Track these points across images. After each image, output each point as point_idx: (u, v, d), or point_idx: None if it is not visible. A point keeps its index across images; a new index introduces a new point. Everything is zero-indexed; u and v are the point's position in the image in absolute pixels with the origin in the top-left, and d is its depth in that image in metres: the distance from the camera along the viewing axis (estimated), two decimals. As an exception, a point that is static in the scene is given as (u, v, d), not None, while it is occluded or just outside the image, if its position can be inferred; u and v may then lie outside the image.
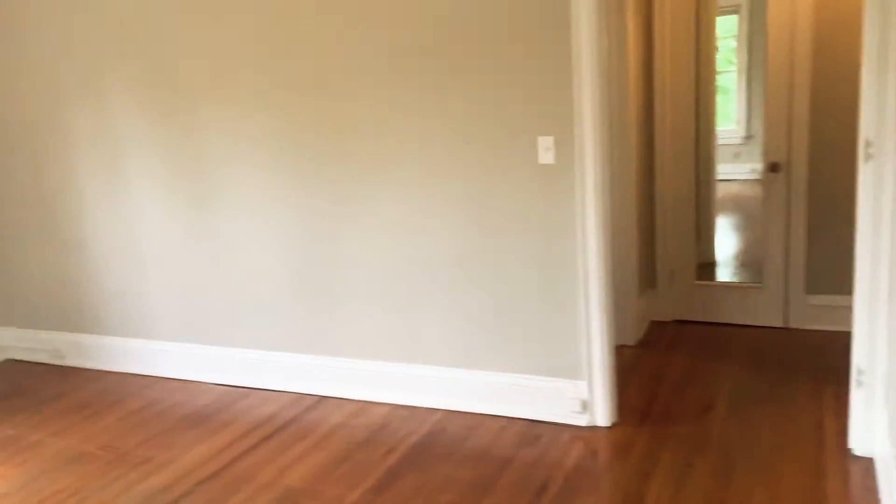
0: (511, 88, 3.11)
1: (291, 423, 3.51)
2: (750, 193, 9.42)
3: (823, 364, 3.75)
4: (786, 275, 4.23)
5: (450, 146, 3.26)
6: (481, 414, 3.43)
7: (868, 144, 2.62)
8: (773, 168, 4.14)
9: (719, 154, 6.35)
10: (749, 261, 5.81)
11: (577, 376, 3.24)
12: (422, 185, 3.35)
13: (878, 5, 2.53)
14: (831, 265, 4.11)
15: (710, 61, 5.72)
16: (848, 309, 4.08)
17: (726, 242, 6.60)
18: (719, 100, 6.09)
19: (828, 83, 3.93)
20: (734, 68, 10.46)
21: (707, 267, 5.74)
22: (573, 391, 3.24)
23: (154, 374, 4.22)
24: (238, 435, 3.43)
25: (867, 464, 2.78)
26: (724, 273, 5.63)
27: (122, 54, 3.83)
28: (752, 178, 10.38)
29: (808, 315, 4.21)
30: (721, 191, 6.55)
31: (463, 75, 3.18)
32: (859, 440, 2.83)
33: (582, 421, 3.25)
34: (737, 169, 10.52)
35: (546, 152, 3.10)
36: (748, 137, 10.44)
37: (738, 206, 8.86)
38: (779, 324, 4.30)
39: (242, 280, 3.85)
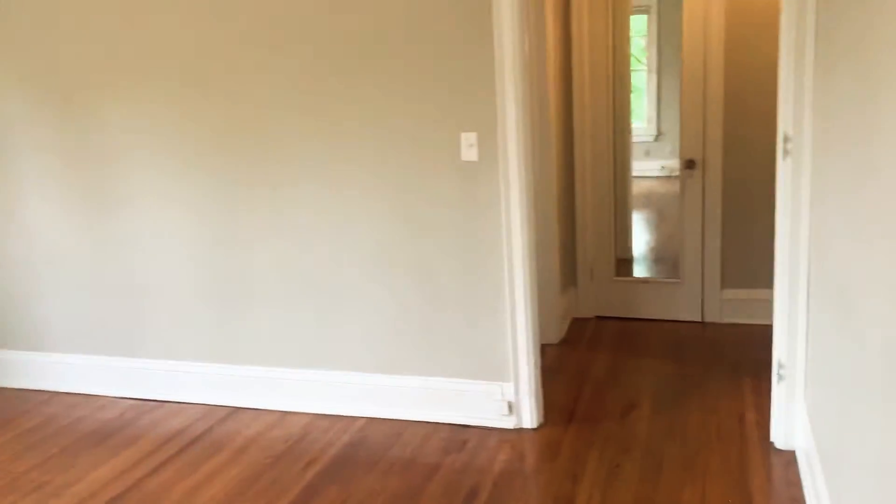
0: (434, 83, 3.00)
1: (203, 437, 3.30)
2: (661, 190, 9.65)
3: (741, 357, 3.81)
4: (702, 270, 4.29)
5: (368, 142, 3.13)
6: (405, 420, 3.31)
7: (786, 140, 2.65)
8: (689, 165, 4.19)
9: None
10: (663, 256, 5.92)
11: (503, 378, 3.17)
12: (339, 182, 3.20)
13: (795, 4, 2.56)
14: (746, 260, 4.19)
15: (625, 60, 5.80)
16: (763, 302, 4.17)
17: (641, 238, 6.71)
18: (631, 97, 6.16)
19: (741, 82, 4.00)
20: (643, 67, 10.70)
21: (624, 263, 5.80)
22: (499, 393, 3.17)
23: (51, 389, 3.91)
24: (145, 452, 3.19)
25: (789, 457, 2.82)
26: (641, 269, 5.71)
27: (14, 49, 3.51)
28: (662, 176, 10.65)
29: (725, 309, 4.29)
30: (633, 187, 6.64)
31: (383, 69, 3.05)
32: (781, 434, 2.86)
33: (509, 423, 3.18)
34: (648, 166, 10.77)
35: (469, 149, 3.01)
36: (658, 135, 10.71)
37: (649, 202, 9.05)
38: (697, 318, 4.36)
39: (147, 285, 3.61)
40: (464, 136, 3.00)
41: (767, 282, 4.20)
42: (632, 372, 3.72)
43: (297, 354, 3.44)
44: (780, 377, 2.83)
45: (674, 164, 10.92)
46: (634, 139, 9.05)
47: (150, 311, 3.63)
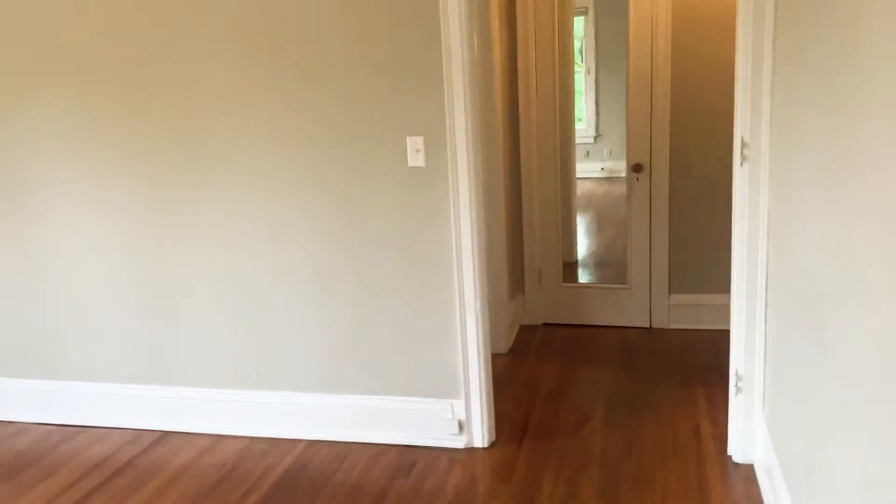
0: (378, 85, 2.82)
1: (129, 465, 3.04)
2: (600, 191, 9.67)
3: (691, 364, 3.76)
4: (649, 275, 4.23)
5: (308, 148, 2.93)
6: (350, 442, 3.12)
7: (744, 146, 2.57)
8: (636, 169, 4.12)
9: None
10: (605, 261, 5.87)
11: (453, 395, 3.01)
12: (276, 191, 2.99)
13: (753, 5, 2.48)
14: (693, 265, 4.15)
15: (569, 62, 5.73)
16: (710, 307, 4.14)
17: (583, 242, 6.66)
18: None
19: (688, 84, 3.95)
20: (581, 69, 10.71)
21: (569, 267, 5.73)
22: (449, 411, 3.01)
23: (-44, 416, 3.57)
24: (64, 485, 2.92)
25: (747, 471, 2.75)
26: (585, 274, 5.65)
27: None
28: (601, 177, 10.68)
29: (673, 315, 4.24)
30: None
31: (322, 71, 2.85)
32: (739, 447, 2.79)
33: (459, 443, 3.02)
34: (587, 167, 10.79)
35: (416, 154, 2.85)
36: (597, 136, 10.75)
37: (590, 204, 9.04)
38: (645, 324, 4.30)
39: (65, 301, 3.31)
40: (410, 140, 2.84)
41: (714, 287, 4.20)
42: (583, 383, 3.62)
43: (231, 374, 3.21)
44: (738, 389, 2.75)
45: (613, 165, 11.00)
46: (576, 141, 9.00)
47: (69, 328, 3.34)
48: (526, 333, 4.33)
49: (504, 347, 4.01)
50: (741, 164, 2.59)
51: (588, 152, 10.90)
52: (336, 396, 3.11)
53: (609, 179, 10.66)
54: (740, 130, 2.57)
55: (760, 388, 2.71)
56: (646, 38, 3.93)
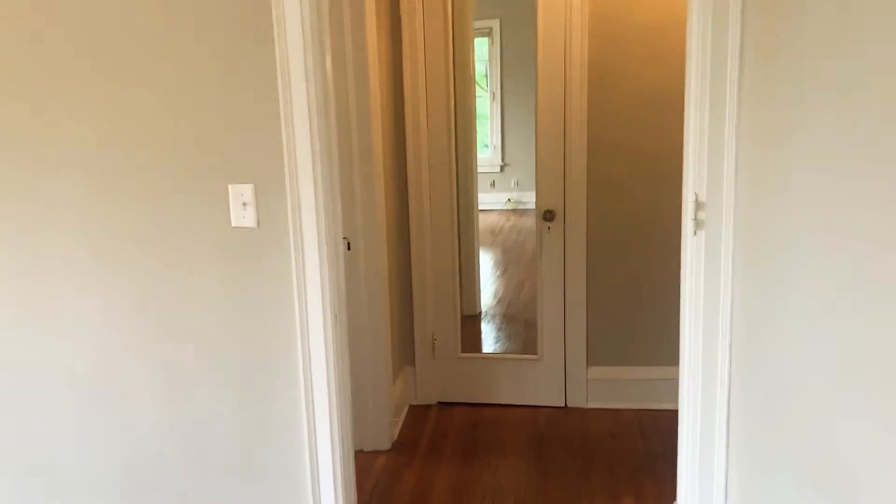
0: (183, 111, 1.97)
1: None
2: (508, 224, 9.01)
3: (615, 453, 3.03)
4: (564, 344, 3.50)
5: (87, 207, 2.03)
6: None
7: (699, 207, 1.85)
8: (547, 216, 3.39)
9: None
10: (515, 311, 5.15)
11: (301, 544, 2.15)
12: (40, 263, 2.07)
13: (710, 27, 1.78)
14: (616, 333, 3.45)
15: (468, 86, 5.01)
16: (632, 383, 3.45)
17: (489, 287, 5.93)
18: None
19: (609, 118, 3.25)
20: (486, 93, 10.10)
21: (471, 321, 4.97)
22: (297, 567, 2.15)
23: None
24: None
25: None
26: (490, 328, 4.90)
27: None
28: (508, 209, 10.05)
29: (592, 391, 3.52)
30: (479, 222, 5.86)
31: (102, 82, 1.97)
32: None
33: None
34: (493, 198, 10.12)
35: (242, 210, 2.00)
36: (504, 166, 10.13)
37: (496, 239, 8.36)
38: (559, 402, 3.56)
39: None
40: (234, 190, 1.99)
41: (640, 358, 3.50)
42: (486, 490, 2.83)
43: (-14, 516, 2.24)
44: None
45: (520, 195, 10.37)
46: (479, 170, 8.34)
47: None
48: (417, 418, 3.51)
49: (387, 442, 3.17)
50: (694, 232, 1.87)
51: (493, 182, 10.24)
52: (135, 549, 2.19)
53: (516, 211, 10.04)
54: (693, 186, 1.85)
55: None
56: (557, 61, 3.23)
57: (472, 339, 4.55)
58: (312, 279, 1.99)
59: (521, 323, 4.79)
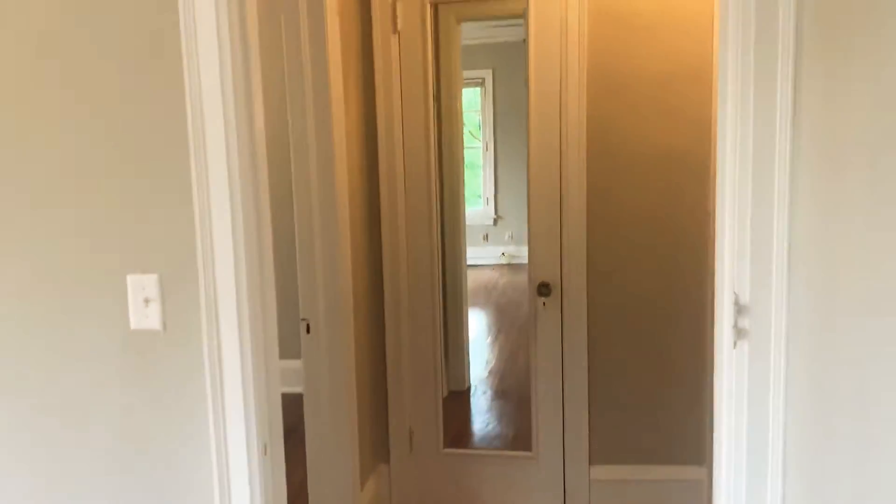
0: (66, 181, 1.53)
1: None
2: (502, 281, 8.54)
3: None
4: (563, 440, 3.00)
5: (-56, 290, 1.58)
6: None
7: (739, 312, 1.39)
8: (542, 290, 2.93)
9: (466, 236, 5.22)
10: (510, 385, 4.65)
11: None
12: None
13: (752, 70, 1.35)
14: (622, 427, 2.96)
15: (456, 137, 4.63)
16: (645, 484, 2.95)
17: (480, 355, 5.44)
18: (466, 176, 4.99)
19: (612, 184, 2.82)
20: (478, 144, 9.74)
21: (458, 398, 4.48)
22: None
23: None
24: None
25: None
26: (480, 402, 4.40)
27: None
28: (502, 263, 9.61)
29: (596, 495, 3.01)
30: (470, 279, 5.41)
31: (-34, 146, 1.54)
32: None
33: None
34: (486, 252, 9.69)
35: (144, 307, 1.54)
36: (497, 218, 9.72)
37: (489, 297, 7.87)
38: (557, 507, 3.05)
39: None
40: (133, 281, 1.53)
41: (651, 455, 3.01)
42: None
43: None
44: None
45: (515, 250, 9.94)
46: (471, 223, 7.90)
47: None
48: (389, 525, 3.00)
49: (350, 564, 2.67)
50: (733, 344, 1.41)
51: (486, 235, 9.81)
52: None
53: (511, 266, 9.57)
54: (730, 284, 1.40)
55: None
56: (551, 116, 2.80)
57: (458, 422, 4.05)
58: (233, 402, 1.52)
59: (514, 401, 4.30)
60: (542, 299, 2.92)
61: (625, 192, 2.83)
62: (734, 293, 1.38)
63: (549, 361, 2.96)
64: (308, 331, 2.59)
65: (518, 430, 3.86)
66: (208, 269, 1.50)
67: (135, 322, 1.54)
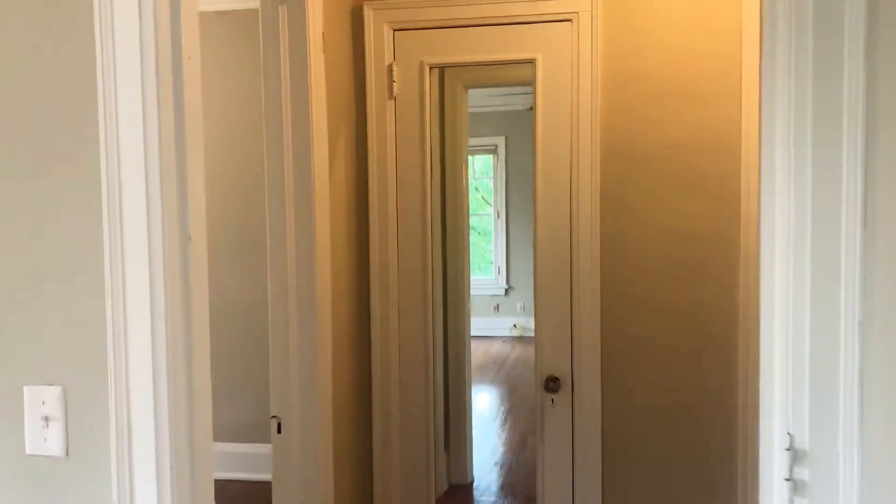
0: (-46, 266, 1.25)
1: None
2: (514, 355, 8.15)
3: None
4: (573, 556, 2.62)
5: None
6: None
7: (797, 458, 1.06)
8: (550, 386, 2.59)
9: (475, 307, 4.91)
10: (515, 482, 4.25)
11: None
12: None
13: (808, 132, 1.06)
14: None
15: (460, 206, 4.38)
16: None
17: (487, 441, 5.04)
18: (476, 244, 4.70)
19: (630, 267, 2.51)
20: (490, 211, 9.49)
21: (460, 493, 4.09)
22: None
23: None
24: None
25: None
26: (485, 503, 3.99)
27: None
28: (514, 335, 9.23)
29: None
30: (478, 351, 5.06)
31: None
32: None
33: None
34: (497, 324, 9.34)
35: (42, 428, 1.23)
36: (509, 289, 9.39)
37: (498, 373, 7.48)
38: None
39: None
40: (31, 394, 1.23)
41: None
42: None
43: None
44: None
45: (527, 322, 9.55)
46: (481, 293, 7.61)
47: None
48: None
49: None
50: (789, 501, 1.07)
51: (497, 306, 9.47)
52: None
53: (523, 339, 9.19)
54: (782, 422, 1.07)
55: None
56: (560, 189, 2.52)
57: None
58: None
59: (522, 501, 3.90)
60: (551, 396, 2.58)
61: (644, 278, 2.51)
62: (788, 434, 1.05)
63: (559, 467, 2.60)
64: (279, 430, 2.27)
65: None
66: (117, 377, 1.20)
67: (31, 446, 1.24)
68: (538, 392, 2.61)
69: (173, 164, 1.21)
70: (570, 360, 2.57)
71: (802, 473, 1.06)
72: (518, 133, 8.85)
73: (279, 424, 2.26)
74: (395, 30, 2.61)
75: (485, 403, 5.97)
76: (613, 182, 2.49)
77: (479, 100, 7.21)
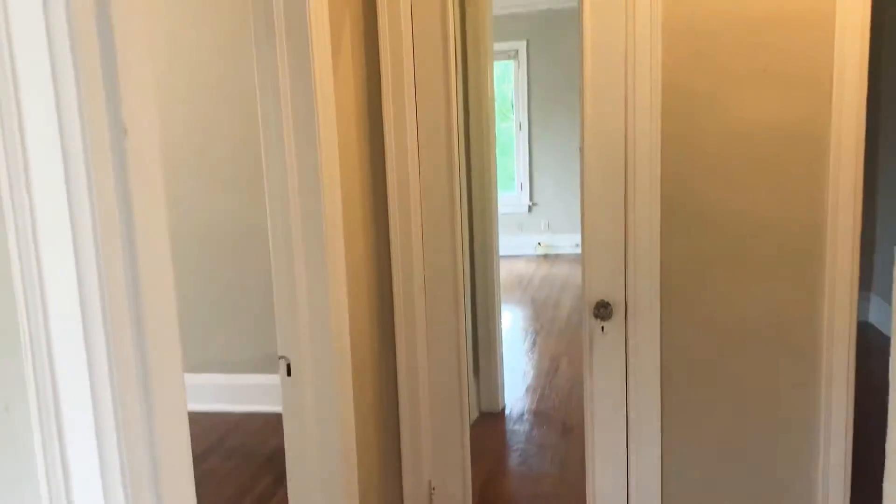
0: None
1: None
2: (539, 274, 7.81)
3: None
4: (627, 499, 2.32)
5: None
6: None
7: None
8: (599, 312, 2.23)
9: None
10: (548, 408, 3.97)
11: None
12: None
13: None
14: (704, 494, 2.27)
15: (486, 117, 3.95)
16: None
17: (517, 365, 4.76)
18: (497, 159, 4.32)
19: (698, 170, 2.11)
20: (510, 121, 8.96)
21: (491, 420, 3.82)
22: None
23: None
24: None
25: None
26: (519, 431, 3.72)
27: None
28: (538, 254, 8.86)
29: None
30: (503, 271, 4.73)
31: None
32: None
33: None
34: (520, 242, 8.96)
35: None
36: (532, 205, 8.97)
37: (524, 293, 7.15)
38: (618, 589, 2.37)
39: None
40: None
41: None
42: None
43: None
44: None
45: (552, 239, 9.16)
46: (504, 211, 7.20)
47: None
48: None
49: None
50: None
51: (521, 224, 9.08)
52: None
53: (547, 258, 8.83)
54: None
55: None
56: (615, 73, 2.10)
57: (490, 458, 3.39)
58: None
59: (557, 429, 3.62)
60: (601, 323, 2.23)
61: (717, 183, 2.11)
62: None
63: (610, 404, 2.27)
64: (289, 373, 1.95)
65: (565, 469, 3.20)
66: (45, 411, 0.85)
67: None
68: (586, 319, 2.25)
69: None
70: (623, 282, 2.20)
71: None
72: (541, 36, 8.24)
73: (288, 366, 1.94)
74: None
75: (511, 325, 5.67)
76: (677, 66, 2.06)
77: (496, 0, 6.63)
